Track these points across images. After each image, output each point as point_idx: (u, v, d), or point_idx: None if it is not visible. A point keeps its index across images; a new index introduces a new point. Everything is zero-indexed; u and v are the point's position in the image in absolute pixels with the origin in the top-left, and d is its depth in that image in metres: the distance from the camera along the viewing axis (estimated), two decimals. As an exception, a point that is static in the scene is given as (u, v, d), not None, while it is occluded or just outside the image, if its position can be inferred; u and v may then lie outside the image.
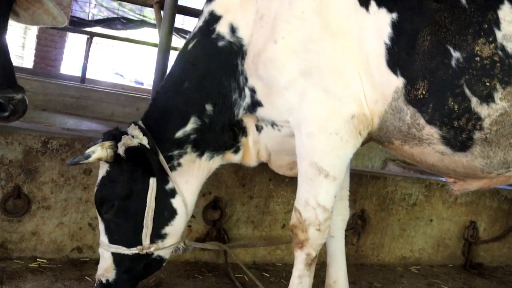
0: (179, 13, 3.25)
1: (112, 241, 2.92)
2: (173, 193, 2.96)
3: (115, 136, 2.87)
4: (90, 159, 2.75)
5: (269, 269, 4.17)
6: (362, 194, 4.56)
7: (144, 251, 2.90)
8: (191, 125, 2.97)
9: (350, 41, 2.66)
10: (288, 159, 3.22)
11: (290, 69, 2.75)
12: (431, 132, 2.62)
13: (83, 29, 13.76)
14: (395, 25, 2.57)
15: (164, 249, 2.98)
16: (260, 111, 2.97)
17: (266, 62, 2.80)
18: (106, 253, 2.93)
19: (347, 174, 3.43)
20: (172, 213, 2.96)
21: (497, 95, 2.44)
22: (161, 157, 2.91)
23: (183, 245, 3.12)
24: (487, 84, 2.44)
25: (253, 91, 2.94)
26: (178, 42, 12.94)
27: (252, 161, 3.23)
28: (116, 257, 2.91)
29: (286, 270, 4.15)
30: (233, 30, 2.92)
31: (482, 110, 2.48)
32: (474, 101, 2.47)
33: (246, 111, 3.00)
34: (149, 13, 13.87)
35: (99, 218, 2.96)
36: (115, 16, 14.95)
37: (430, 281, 4.65)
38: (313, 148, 2.77)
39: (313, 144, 2.76)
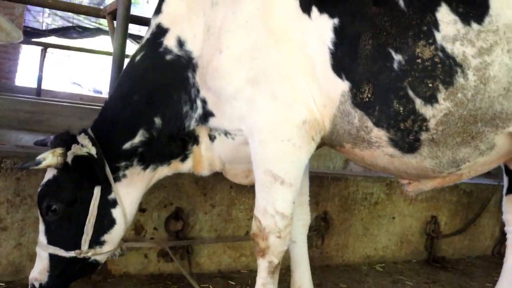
0: (132, 23, 3.21)
1: (51, 242, 2.92)
2: (114, 203, 2.98)
3: (65, 142, 2.88)
4: (41, 166, 2.77)
5: (235, 276, 4.15)
6: (324, 196, 4.59)
7: (82, 256, 2.92)
8: (139, 137, 2.98)
9: (295, 48, 2.67)
10: (243, 167, 3.22)
11: (237, 78, 2.76)
12: (379, 134, 2.65)
13: (37, 39, 13.49)
14: (337, 30, 2.60)
15: (101, 255, 3.01)
16: (212, 121, 2.99)
17: (213, 72, 2.81)
18: (43, 253, 2.93)
19: (306, 179, 3.45)
20: (112, 222, 2.99)
21: (440, 96, 2.48)
22: (107, 169, 2.93)
23: (120, 251, 3.15)
24: (430, 85, 2.47)
25: (204, 102, 2.95)
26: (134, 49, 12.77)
27: (204, 171, 3.23)
28: (53, 258, 2.92)
29: (251, 277, 4.14)
30: (180, 43, 2.94)
31: (427, 111, 2.51)
32: (418, 102, 2.51)
33: (198, 122, 3.02)
34: (105, 21, 13.66)
35: (40, 218, 2.97)
36: (70, 25, 14.69)
37: (395, 278, 4.71)
38: (266, 155, 2.77)
39: (266, 152, 2.77)
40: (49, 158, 2.78)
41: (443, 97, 2.48)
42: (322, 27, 2.63)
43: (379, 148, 2.72)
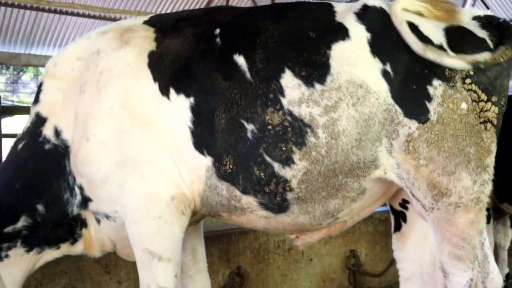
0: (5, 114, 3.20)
1: None
2: None
3: None
4: None
5: None
6: (234, 252, 4.63)
7: None
8: (21, 223, 3.01)
9: (158, 130, 2.79)
10: None
11: (105, 163, 2.84)
12: (249, 200, 2.75)
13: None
14: (193, 109, 2.72)
15: None
16: (91, 206, 3.02)
17: (82, 160, 2.89)
18: None
19: (201, 246, 3.50)
20: None
21: (296, 157, 2.59)
22: None
23: None
24: (284, 148, 2.59)
25: (81, 188, 3.00)
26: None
27: (95, 252, 3.24)
28: None
29: None
30: (57, 133, 3.01)
31: (286, 172, 2.62)
32: (276, 166, 2.62)
33: (80, 207, 3.05)
34: None
35: None
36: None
37: (320, 319, 4.74)
38: (141, 234, 2.84)
39: (140, 230, 2.84)
40: None
41: (298, 158, 2.60)
42: (180, 108, 2.75)
43: (252, 213, 2.82)
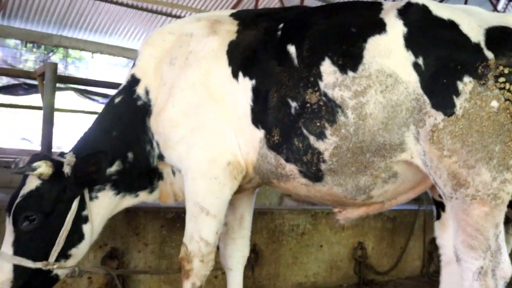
0: (60, 82, 3.58)
1: (17, 253, 3.13)
2: (86, 219, 3.33)
3: (48, 157, 3.33)
4: (36, 172, 3.11)
5: (171, 309, 4.43)
6: (252, 230, 4.92)
7: (47, 267, 3.15)
8: (115, 167, 3.44)
9: (227, 107, 3.28)
10: None
11: (183, 128, 3.33)
12: (291, 168, 3.18)
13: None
14: (254, 89, 3.21)
15: (64, 268, 3.26)
16: (166, 160, 3.50)
17: (164, 121, 3.38)
18: (6, 265, 3.10)
19: (249, 215, 3.98)
20: (81, 237, 3.31)
21: (328, 132, 2.98)
22: (86, 192, 3.32)
23: (78, 269, 3.38)
24: (318, 124, 2.99)
25: (158, 144, 3.49)
26: (83, 102, 13.07)
27: (169, 200, 3.71)
28: (17, 269, 3.11)
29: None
30: (147, 92, 3.53)
31: (320, 145, 3.02)
32: (312, 138, 3.03)
33: (158, 159, 3.53)
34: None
35: (8, 229, 3.18)
36: (17, 82, 14.88)
37: (324, 301, 5.05)
38: (196, 190, 3.30)
39: (196, 187, 3.30)
40: (43, 167, 3.13)
41: (330, 133, 2.98)
42: (245, 88, 3.24)
43: (295, 180, 3.25)
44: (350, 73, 2.92)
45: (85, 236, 3.32)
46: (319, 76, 2.99)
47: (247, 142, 3.27)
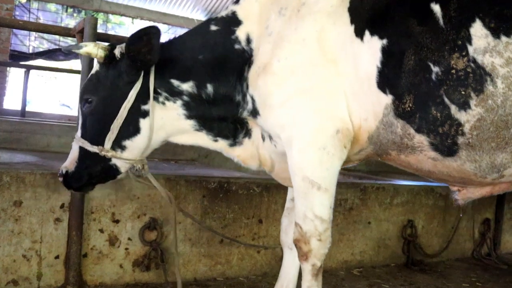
0: (100, 40, 3.32)
1: (83, 135, 3.18)
2: (145, 114, 3.14)
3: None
4: (81, 50, 3.07)
5: (211, 284, 4.23)
6: (297, 203, 4.67)
7: (103, 153, 3.10)
8: (187, 86, 3.18)
9: (343, 68, 2.92)
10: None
11: (288, 88, 2.98)
12: (421, 139, 2.83)
13: (25, 62, 13.59)
14: (384, 50, 2.83)
15: (120, 159, 3.16)
16: (259, 120, 3.18)
17: (267, 76, 3.03)
18: (75, 145, 3.19)
19: None
20: (136, 130, 3.14)
21: (472, 102, 2.65)
22: (152, 78, 3.12)
23: (140, 166, 3.26)
24: (463, 92, 2.66)
25: (253, 99, 3.15)
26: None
27: (253, 164, 3.42)
28: (81, 151, 3.16)
29: (227, 284, 4.23)
30: (248, 40, 3.19)
31: (461, 116, 2.69)
32: (453, 108, 2.68)
33: (250, 114, 3.21)
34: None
35: (79, 111, 3.23)
36: (56, 47, 14.82)
37: (372, 281, 4.78)
38: (303, 163, 2.95)
39: (303, 159, 2.95)
40: (90, 46, 3.06)
41: (474, 104, 2.65)
42: (372, 48, 2.86)
43: (422, 153, 2.90)
44: (504, 38, 2.61)
45: (141, 130, 3.15)
46: (468, 39, 2.67)
47: (366, 108, 2.92)
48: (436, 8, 2.77)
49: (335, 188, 2.99)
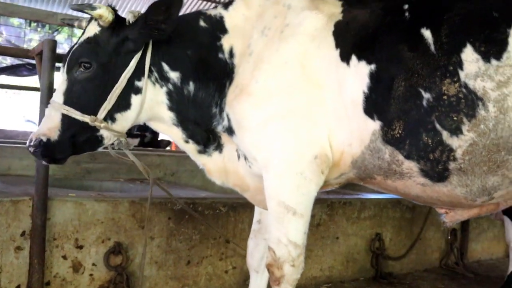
0: (60, 62, 3.25)
1: (67, 103, 2.99)
2: (137, 90, 3.06)
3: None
4: (95, 12, 2.94)
5: (178, 307, 4.17)
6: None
7: (95, 123, 2.99)
8: (174, 75, 3.13)
9: (326, 93, 2.90)
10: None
11: (264, 110, 2.96)
12: (410, 166, 2.82)
13: (-13, 79, 13.32)
14: (373, 75, 2.82)
15: (109, 130, 3.06)
16: (234, 139, 3.13)
17: (243, 97, 2.99)
18: (55, 113, 2.99)
19: None
20: (128, 105, 3.06)
21: (465, 128, 2.65)
22: (148, 57, 3.05)
23: (124, 140, 3.20)
24: (455, 118, 2.66)
25: (228, 117, 3.11)
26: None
27: (216, 178, 3.37)
28: (65, 119, 2.98)
29: (195, 306, 4.18)
30: (231, 54, 3.16)
31: (453, 142, 2.68)
32: (445, 134, 2.68)
33: (226, 131, 3.17)
34: (56, 57, 13.55)
35: (62, 78, 3.06)
36: (20, 62, 14.58)
37: (340, 297, 4.79)
38: (280, 188, 2.94)
39: (280, 184, 2.94)
40: (103, 9, 2.95)
41: (467, 129, 2.65)
42: (358, 73, 2.85)
43: (410, 179, 2.89)
44: (494, 62, 2.62)
45: (131, 106, 3.07)
46: (459, 64, 2.67)
47: (351, 133, 2.90)
48: (427, 33, 2.77)
49: (310, 213, 2.98)
